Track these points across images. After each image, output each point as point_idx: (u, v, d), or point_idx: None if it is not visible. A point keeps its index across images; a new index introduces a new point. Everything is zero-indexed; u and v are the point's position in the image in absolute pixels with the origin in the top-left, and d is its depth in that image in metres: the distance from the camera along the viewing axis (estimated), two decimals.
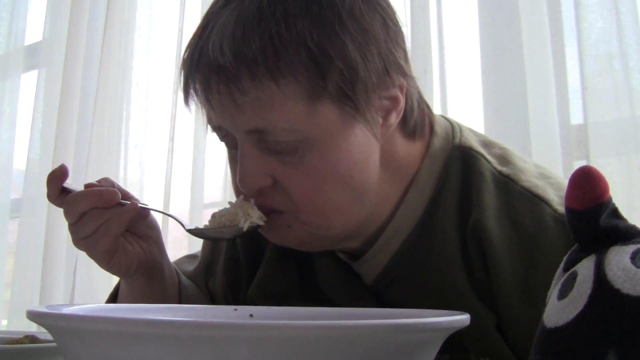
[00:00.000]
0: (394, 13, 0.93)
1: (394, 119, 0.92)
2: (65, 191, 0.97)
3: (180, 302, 1.08)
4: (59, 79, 2.63)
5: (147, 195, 2.43)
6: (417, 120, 0.96)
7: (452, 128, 1.01)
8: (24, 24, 3.01)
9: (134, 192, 2.56)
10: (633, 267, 0.45)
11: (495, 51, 1.74)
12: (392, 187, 0.95)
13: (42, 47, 2.83)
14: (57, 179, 0.96)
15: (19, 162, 2.89)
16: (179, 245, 2.24)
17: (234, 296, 1.15)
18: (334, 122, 0.87)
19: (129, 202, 0.96)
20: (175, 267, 1.13)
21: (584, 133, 1.58)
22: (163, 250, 1.06)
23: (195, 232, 0.98)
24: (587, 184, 0.47)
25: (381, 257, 0.97)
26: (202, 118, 0.97)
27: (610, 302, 0.44)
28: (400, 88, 0.91)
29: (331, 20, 0.84)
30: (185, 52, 0.93)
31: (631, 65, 1.52)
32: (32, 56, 2.91)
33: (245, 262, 1.13)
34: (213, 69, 0.85)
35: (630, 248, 0.46)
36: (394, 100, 0.91)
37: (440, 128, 1.00)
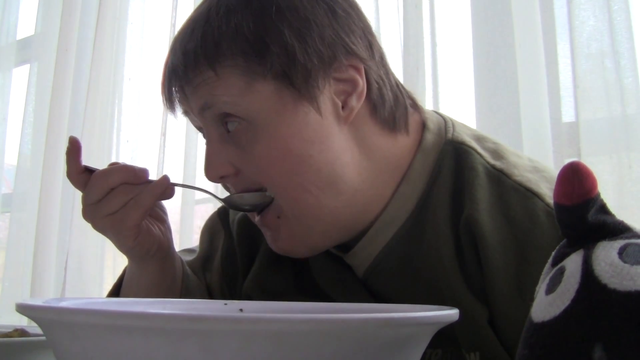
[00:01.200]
0: (347, 3, 0.97)
1: (355, 101, 0.94)
2: (87, 170, 0.99)
3: (183, 292, 1.10)
4: (50, 74, 2.63)
5: None
6: (393, 111, 0.98)
7: (445, 123, 1.01)
8: (15, 18, 3.00)
9: None
10: (620, 263, 0.45)
11: (488, 49, 1.74)
12: (381, 180, 0.96)
13: (34, 41, 2.83)
14: (75, 153, 1.00)
15: (10, 157, 2.89)
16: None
17: (231, 290, 1.16)
18: (276, 102, 0.91)
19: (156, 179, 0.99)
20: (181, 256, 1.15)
21: (576, 131, 1.59)
22: (172, 238, 1.08)
23: (228, 201, 0.99)
24: (576, 180, 0.48)
25: (372, 249, 0.98)
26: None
27: (597, 297, 0.44)
28: (357, 70, 0.94)
29: (269, 11, 0.91)
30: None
31: (623, 64, 1.53)
32: (24, 50, 2.90)
33: (241, 256, 1.14)
34: (172, 70, 0.95)
35: (618, 243, 0.46)
36: (351, 82, 0.94)
37: (432, 123, 1.01)
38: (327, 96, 0.93)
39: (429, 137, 0.99)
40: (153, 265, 1.04)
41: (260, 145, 0.91)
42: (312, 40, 0.91)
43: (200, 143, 2.24)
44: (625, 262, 0.45)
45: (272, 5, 0.91)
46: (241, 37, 0.91)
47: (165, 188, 0.99)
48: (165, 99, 1.00)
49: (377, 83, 0.96)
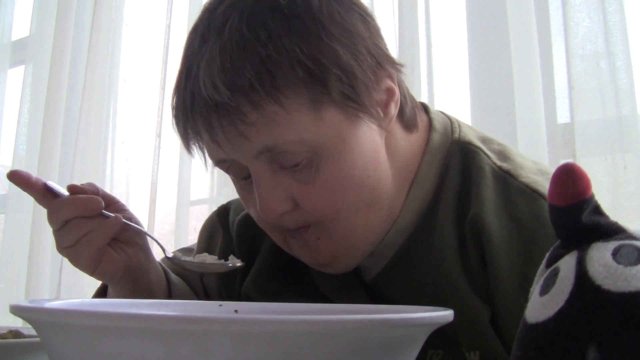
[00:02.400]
0: (365, 7, 0.94)
1: (393, 109, 0.92)
2: (50, 192, 0.96)
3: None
4: (45, 75, 2.62)
5: (134, 191, 2.43)
6: (411, 111, 0.97)
7: (451, 123, 1.01)
8: (10, 19, 3.00)
9: (120, 189, 2.56)
10: (614, 264, 0.45)
11: (483, 50, 1.75)
12: (398, 184, 0.95)
13: (29, 42, 2.82)
14: (24, 184, 0.96)
15: (5, 158, 2.88)
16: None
17: (228, 291, 1.15)
18: (342, 126, 0.87)
19: (112, 215, 0.96)
20: (164, 265, 1.13)
21: (571, 132, 1.59)
22: (149, 254, 1.06)
23: (176, 261, 0.99)
24: (570, 181, 0.48)
25: (386, 253, 0.98)
26: (199, 157, 0.96)
27: (591, 298, 0.44)
28: (392, 78, 0.92)
29: (315, 30, 0.84)
30: (174, 99, 0.91)
31: (618, 65, 1.53)
32: (19, 52, 2.90)
33: (240, 257, 1.13)
34: (211, 109, 0.84)
35: (612, 244, 0.46)
36: (390, 91, 0.92)
37: (438, 123, 1.01)
38: (375, 111, 0.90)
39: (436, 137, 0.99)
40: (122, 286, 1.02)
41: (324, 177, 0.87)
42: (362, 55, 0.87)
43: None
44: (619, 263, 0.45)
45: (317, 23, 0.85)
46: (298, 64, 0.82)
47: (118, 228, 0.96)
48: (188, 141, 0.92)
49: (402, 87, 0.95)
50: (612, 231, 0.48)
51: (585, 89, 1.57)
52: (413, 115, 0.98)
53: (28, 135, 2.71)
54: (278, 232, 0.95)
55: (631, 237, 0.47)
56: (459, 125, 1.01)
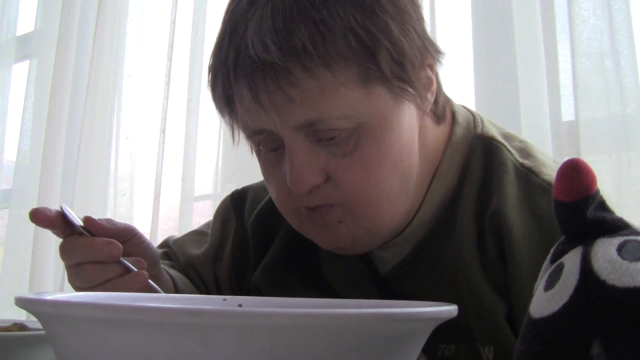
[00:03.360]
0: None
1: (430, 98, 0.92)
2: (64, 218, 0.92)
3: None
4: (50, 70, 2.63)
5: (138, 187, 2.43)
6: (443, 103, 0.98)
7: (474, 118, 1.01)
8: (15, 14, 3.00)
9: (124, 184, 2.56)
10: (619, 259, 0.45)
11: (488, 48, 1.74)
12: (422, 175, 0.95)
13: (34, 37, 2.83)
14: (43, 222, 0.92)
15: (9, 153, 2.89)
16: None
17: (239, 281, 1.14)
18: (387, 104, 0.86)
19: (132, 267, 0.93)
20: (170, 272, 1.11)
21: (575, 130, 1.59)
22: (158, 266, 1.05)
23: None
24: (575, 176, 0.48)
25: (406, 246, 0.98)
26: (232, 129, 0.94)
27: (596, 293, 0.44)
28: (431, 67, 0.92)
29: (370, 2, 0.83)
30: (213, 59, 0.89)
31: (623, 63, 1.53)
32: (24, 47, 2.90)
33: (254, 247, 1.12)
34: (258, 68, 0.81)
35: (617, 240, 0.46)
36: (429, 80, 0.92)
37: (461, 117, 1.01)
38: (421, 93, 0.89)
39: (459, 131, 0.99)
40: None
41: (361, 152, 0.85)
42: (411, 34, 0.86)
43: (200, 140, 2.25)
44: (624, 258, 0.45)
45: None
46: (351, 32, 0.81)
47: (142, 286, 0.92)
48: (224, 106, 0.90)
49: (437, 75, 0.95)
50: (617, 227, 0.48)
51: (590, 87, 1.57)
52: (444, 107, 0.98)
53: (32, 130, 2.72)
54: (296, 215, 0.93)
55: (636, 232, 0.47)
56: (482, 120, 1.01)
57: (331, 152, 0.86)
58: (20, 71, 2.92)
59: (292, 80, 0.81)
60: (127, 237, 0.98)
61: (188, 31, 2.32)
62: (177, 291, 1.08)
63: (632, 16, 1.54)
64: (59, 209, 0.93)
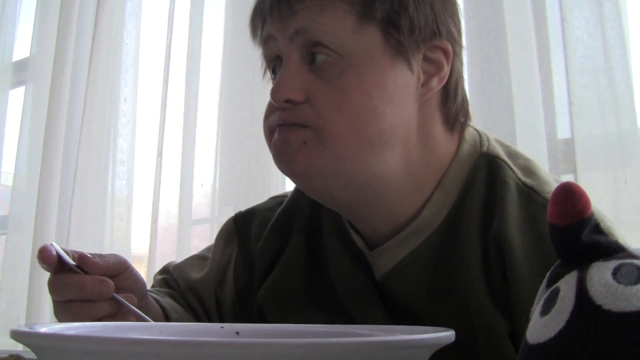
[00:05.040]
0: None
1: (435, 83, 0.95)
2: (58, 257, 0.93)
3: None
4: (46, 95, 2.62)
5: (135, 211, 2.43)
6: (458, 109, 0.99)
7: (480, 136, 1.03)
8: (11, 40, 3.01)
9: (121, 208, 2.55)
10: (614, 283, 0.45)
11: (482, 65, 1.75)
12: (422, 175, 0.96)
13: (30, 63, 2.83)
14: (48, 264, 0.95)
15: (6, 178, 2.89)
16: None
17: (241, 304, 1.14)
18: (377, 48, 0.91)
19: (123, 300, 0.94)
20: (158, 299, 1.10)
21: (571, 147, 1.59)
22: (146, 297, 1.05)
23: None
24: (569, 200, 0.48)
25: (400, 251, 0.98)
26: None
27: (592, 318, 0.44)
28: (446, 55, 0.95)
29: None
30: None
31: (617, 80, 1.53)
32: (20, 72, 2.91)
33: (260, 269, 1.12)
34: None
35: (612, 264, 0.46)
36: (438, 64, 0.95)
37: (468, 135, 1.02)
38: (415, 66, 0.93)
39: (466, 147, 1.00)
40: None
41: (343, 81, 0.90)
42: (424, 4, 0.92)
43: (197, 163, 2.24)
44: (619, 282, 0.45)
45: None
46: None
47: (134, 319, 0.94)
48: (256, 19, 0.99)
49: (456, 76, 0.98)
50: (612, 250, 0.48)
51: (585, 104, 1.57)
52: (456, 114, 0.99)
53: (29, 155, 2.71)
54: (272, 133, 0.96)
55: (631, 256, 0.47)
56: (488, 139, 1.02)
57: (318, 77, 0.91)
58: (16, 97, 2.92)
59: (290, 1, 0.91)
60: (119, 271, 0.99)
61: (184, 54, 2.33)
62: (168, 321, 1.07)
63: (625, 33, 1.55)
64: (50, 244, 0.95)
